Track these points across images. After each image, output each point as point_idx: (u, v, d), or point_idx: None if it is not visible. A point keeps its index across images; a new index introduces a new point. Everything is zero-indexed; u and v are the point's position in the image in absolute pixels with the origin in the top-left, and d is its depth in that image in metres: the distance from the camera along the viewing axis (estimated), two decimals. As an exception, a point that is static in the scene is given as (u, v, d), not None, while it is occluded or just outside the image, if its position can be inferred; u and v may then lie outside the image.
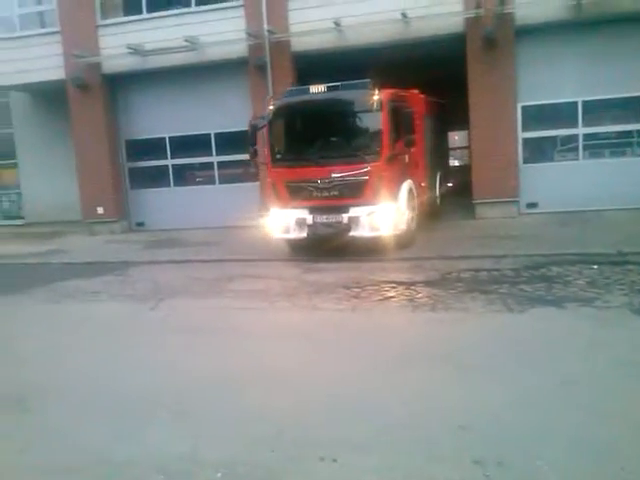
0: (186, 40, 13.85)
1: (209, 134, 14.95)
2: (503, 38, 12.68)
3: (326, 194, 9.80)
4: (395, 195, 9.99)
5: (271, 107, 10.19)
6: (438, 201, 13.65)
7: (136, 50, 14.27)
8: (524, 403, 3.76)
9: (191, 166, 15.69)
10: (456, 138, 26.10)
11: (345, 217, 9.78)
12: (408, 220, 10.45)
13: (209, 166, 15.22)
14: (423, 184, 11.82)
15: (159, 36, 14.23)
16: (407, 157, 10.67)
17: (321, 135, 10.20)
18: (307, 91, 9.98)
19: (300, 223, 10.05)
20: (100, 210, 15.37)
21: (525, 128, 13.16)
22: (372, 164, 9.48)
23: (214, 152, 15.00)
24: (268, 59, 13.86)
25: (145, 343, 5.61)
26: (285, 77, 13.57)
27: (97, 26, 14.84)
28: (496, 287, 7.01)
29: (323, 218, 9.96)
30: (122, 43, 14.30)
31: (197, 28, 14.10)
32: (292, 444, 3.37)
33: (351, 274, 8.44)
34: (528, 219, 12.51)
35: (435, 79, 14.61)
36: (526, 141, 13.26)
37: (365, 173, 9.51)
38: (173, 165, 15.44)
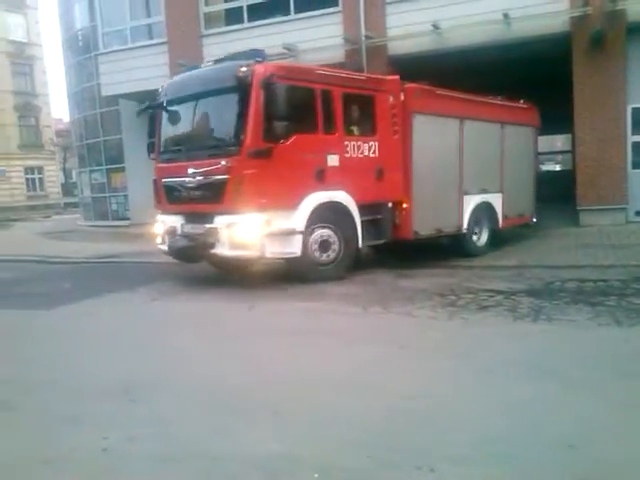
0: (285, 47, 14.15)
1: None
2: (613, 37, 12.07)
3: (192, 197, 8.36)
4: (283, 204, 8.07)
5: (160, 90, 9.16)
6: (479, 243, 11.13)
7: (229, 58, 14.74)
8: (635, 423, 3.52)
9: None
10: (558, 144, 24.99)
11: (205, 228, 8.19)
12: (311, 244, 8.43)
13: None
14: (406, 205, 9.57)
15: (259, 44, 14.58)
16: (327, 157, 8.57)
17: (192, 122, 8.72)
18: (196, 68, 8.96)
19: (170, 232, 8.80)
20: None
21: (635, 131, 12.39)
22: (231, 159, 7.84)
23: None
24: (365, 64, 13.89)
25: (243, 342, 5.74)
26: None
27: (201, 36, 15.47)
28: (603, 299, 6.62)
29: (189, 228, 8.55)
30: (224, 51, 14.80)
31: (296, 35, 14.38)
32: (387, 451, 3.32)
33: (446, 281, 8.26)
34: (636, 227, 11.75)
35: (534, 79, 14.09)
36: (636, 145, 12.48)
37: (223, 171, 7.87)
38: None
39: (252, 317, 6.87)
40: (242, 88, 7.80)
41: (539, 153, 14.71)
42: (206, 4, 15.68)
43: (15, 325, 7.01)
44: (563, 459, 3.15)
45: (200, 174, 8.01)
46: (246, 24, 15.28)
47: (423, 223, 9.86)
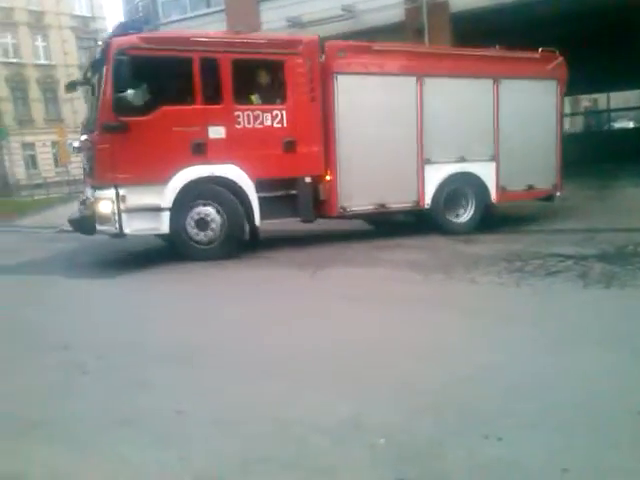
0: (343, 9, 13.90)
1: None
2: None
3: (86, 170, 8.75)
4: (148, 179, 7.81)
5: None
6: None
7: (295, 22, 14.60)
8: None
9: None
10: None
11: (89, 201, 8.30)
12: (187, 222, 8.13)
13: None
14: (329, 178, 8.83)
15: (317, 7, 14.43)
16: (207, 129, 8.07)
17: (90, 98, 9.02)
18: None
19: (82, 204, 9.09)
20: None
21: None
22: (91, 134, 8.04)
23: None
24: (426, 22, 13.48)
25: (306, 308, 5.80)
26: (443, 40, 13.14)
27: (258, 1, 15.36)
28: (682, 263, 6.31)
29: (88, 200, 8.65)
30: (282, 16, 14.70)
31: (354, -4, 14.07)
32: (453, 418, 3.30)
33: (512, 246, 8.06)
34: None
35: (604, 32, 13.31)
36: None
37: (88, 145, 8.17)
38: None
39: (314, 283, 6.91)
40: (102, 63, 7.80)
41: (610, 110, 13.62)
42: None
43: (85, 293, 7.32)
44: (632, 427, 3.05)
45: (81, 148, 8.48)
46: (304, -14, 15.07)
47: (354, 198, 9.00)
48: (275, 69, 8.56)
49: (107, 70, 7.68)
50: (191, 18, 16.66)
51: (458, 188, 9.75)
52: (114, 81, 7.62)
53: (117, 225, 7.81)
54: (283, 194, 8.61)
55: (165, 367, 4.36)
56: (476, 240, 8.80)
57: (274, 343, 4.74)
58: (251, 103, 8.48)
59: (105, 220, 7.91)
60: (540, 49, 10.13)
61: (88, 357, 4.64)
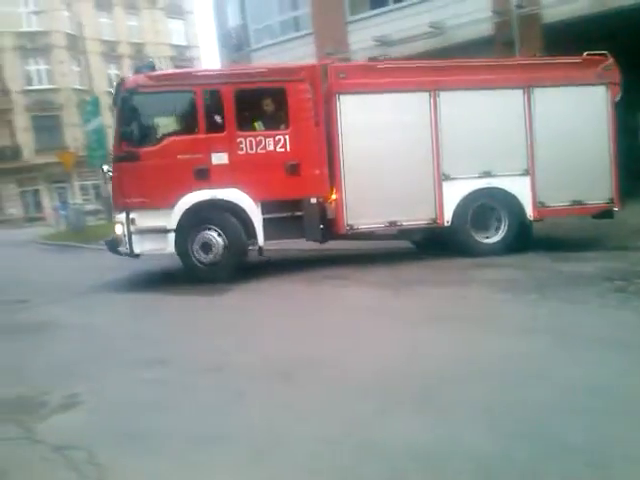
0: (431, 26, 13.86)
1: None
2: None
3: None
4: (156, 204, 8.48)
5: None
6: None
7: (382, 42, 14.70)
8: None
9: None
10: None
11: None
12: (194, 243, 8.65)
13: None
14: (335, 197, 8.97)
15: (404, 25, 14.49)
16: (211, 156, 8.59)
17: None
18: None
19: None
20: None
21: None
22: (111, 165, 9.06)
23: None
24: (516, 36, 13.19)
25: (392, 328, 5.77)
26: (534, 51, 12.78)
27: (346, 23, 15.61)
28: None
29: None
30: (369, 36, 14.86)
31: (441, 12, 14.06)
32: (553, 444, 3.17)
33: (614, 265, 7.65)
34: None
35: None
36: None
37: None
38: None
39: (398, 302, 6.87)
40: (116, 100, 8.77)
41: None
42: (350, -10, 15.82)
43: (191, 309, 7.65)
44: None
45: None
46: (392, 5, 15.19)
47: (361, 217, 9.00)
48: (278, 96, 8.88)
49: (119, 106, 8.64)
50: (281, 43, 17.16)
51: (486, 205, 9.32)
52: (125, 116, 8.55)
53: (127, 246, 8.58)
54: (289, 215, 8.86)
55: (264, 383, 4.47)
56: (573, 258, 8.42)
57: (365, 363, 4.75)
58: (254, 130, 8.87)
59: (119, 241, 8.75)
60: (585, 53, 9.46)
61: (190, 372, 4.86)
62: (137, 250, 8.63)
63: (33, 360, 5.59)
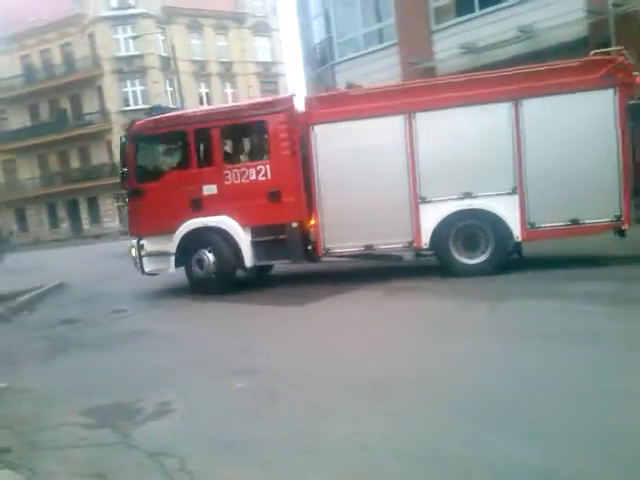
0: (520, 30, 13.44)
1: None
2: None
3: None
4: (160, 230, 9.64)
5: None
6: None
7: (469, 49, 14.40)
8: None
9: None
10: None
11: None
12: (193, 262, 9.70)
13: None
14: (313, 222, 9.37)
15: (491, 31, 14.13)
16: (202, 188, 9.53)
17: None
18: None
19: None
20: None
21: None
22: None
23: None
24: (612, 35, 12.53)
25: (491, 345, 5.55)
26: (632, 52, 12.10)
27: (431, 32, 15.42)
28: None
29: None
30: (455, 44, 14.61)
31: (530, 16, 13.61)
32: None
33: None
34: None
35: None
36: None
37: None
38: None
39: (495, 317, 6.61)
40: (125, 141, 9.89)
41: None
42: (435, -1, 15.64)
43: (277, 319, 7.73)
44: None
45: None
46: (478, 12, 14.85)
47: (337, 240, 9.33)
48: (258, 129, 9.63)
49: (127, 146, 9.80)
50: (365, 55, 17.20)
51: (470, 226, 8.95)
52: (133, 155, 9.83)
53: (139, 266, 9.96)
54: (274, 239, 9.43)
55: (354, 397, 4.41)
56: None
57: (460, 380, 4.58)
58: (239, 162, 9.75)
59: (134, 262, 10.09)
60: (592, 52, 8.66)
61: (279, 383, 4.88)
62: (147, 270, 9.97)
63: (129, 368, 5.82)
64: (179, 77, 33.30)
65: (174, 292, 10.59)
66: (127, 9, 43.07)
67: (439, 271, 9.34)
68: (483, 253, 9.00)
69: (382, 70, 16.38)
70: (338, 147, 9.10)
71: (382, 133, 8.99)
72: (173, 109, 11.03)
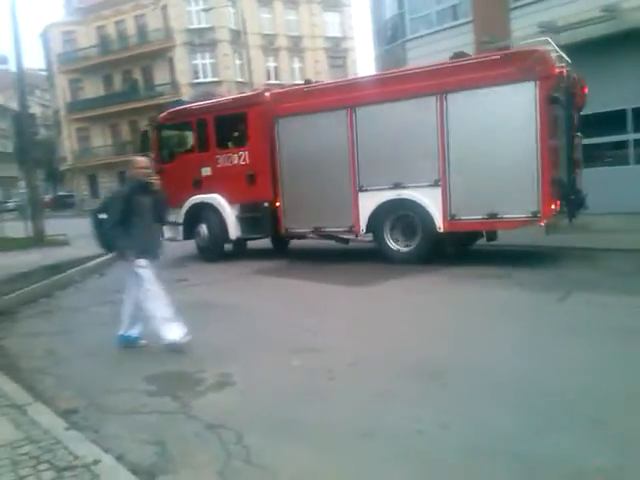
0: (604, 10, 12.72)
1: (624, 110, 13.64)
2: None
3: None
4: (174, 205, 10.51)
5: None
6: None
7: (548, 28, 13.74)
8: None
9: (601, 146, 14.45)
10: None
11: None
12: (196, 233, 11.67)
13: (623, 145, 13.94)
14: (278, 204, 10.73)
15: (572, 9, 13.44)
16: (201, 169, 11.45)
17: None
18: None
19: None
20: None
21: None
22: None
23: (630, 129, 13.60)
24: None
25: (559, 339, 5.37)
26: None
27: (509, 9, 14.81)
28: None
29: None
30: (533, 23, 13.97)
31: (616, -6, 12.80)
32: None
33: None
34: None
35: None
36: None
37: None
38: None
39: (565, 310, 6.37)
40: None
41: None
42: (515, -26, 14.93)
43: (335, 300, 7.74)
44: None
45: None
46: (559, -11, 14.13)
47: (296, 221, 10.58)
48: (240, 120, 11.07)
49: (152, 134, 12.29)
50: (438, 32, 16.72)
51: (405, 216, 9.49)
52: (157, 141, 12.24)
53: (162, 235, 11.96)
54: (252, 215, 11.05)
55: (413, 382, 4.38)
56: None
57: (525, 374, 4.45)
58: (226, 148, 11.39)
59: None
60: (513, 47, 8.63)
61: (338, 363, 4.88)
62: (166, 236, 11.18)
63: (192, 337, 5.93)
64: (248, 51, 33.44)
65: (233, 264, 10.78)
66: (200, -19, 43.45)
67: (505, 258, 9.11)
68: (411, 242, 9.58)
69: (454, 48, 15.76)
70: (295, 138, 10.27)
71: (329, 126, 9.81)
72: (192, 104, 13.04)
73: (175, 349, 5.41)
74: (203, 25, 42.95)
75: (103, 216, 5.70)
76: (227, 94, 42.74)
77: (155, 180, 5.79)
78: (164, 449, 3.52)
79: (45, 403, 4.23)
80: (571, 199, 8.66)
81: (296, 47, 47.63)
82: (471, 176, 8.65)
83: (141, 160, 5.93)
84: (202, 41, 43.08)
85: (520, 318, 6.12)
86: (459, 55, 9.39)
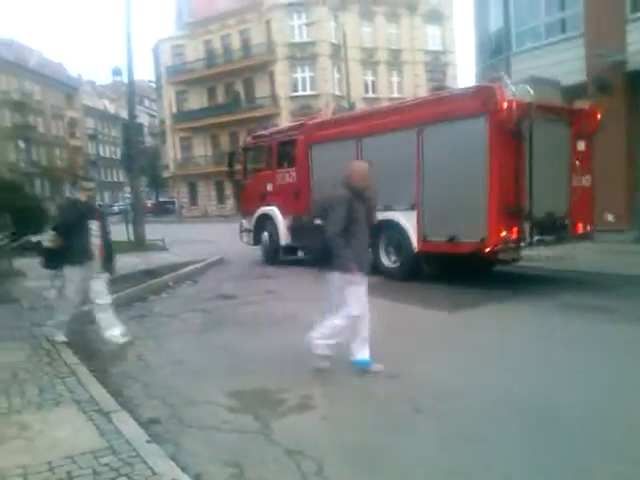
0: None
1: None
2: None
3: None
4: (249, 214, 14.12)
5: None
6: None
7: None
8: None
9: None
10: None
11: None
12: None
13: None
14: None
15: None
16: (267, 185, 13.45)
17: None
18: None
19: None
20: (609, 217, 14.47)
21: None
22: None
23: None
24: None
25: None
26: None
27: (625, 21, 13.90)
28: None
29: None
30: (652, 36, 13.06)
31: None
32: None
33: None
34: None
35: None
36: None
37: None
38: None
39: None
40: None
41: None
42: (633, -16, 13.98)
43: (419, 324, 7.42)
44: None
45: None
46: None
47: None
48: (293, 145, 12.78)
49: (240, 154, 15.05)
50: (545, 46, 15.97)
51: (392, 236, 10.42)
52: (242, 161, 14.79)
53: (240, 237, 14.61)
54: (297, 226, 12.31)
55: (507, 422, 4.05)
56: None
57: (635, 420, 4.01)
58: (282, 168, 13.09)
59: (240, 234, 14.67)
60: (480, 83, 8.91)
61: (422, 394, 4.61)
62: (243, 241, 14.38)
63: (278, 353, 5.86)
64: (347, 64, 33.62)
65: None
66: (304, -4, 44.34)
67: (611, 287, 8.44)
68: (394, 258, 10.53)
69: (563, 62, 15.09)
70: (321, 162, 11.68)
71: (343, 153, 10.58)
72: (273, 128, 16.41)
73: (365, 370, 5.17)
74: (304, 39, 43.74)
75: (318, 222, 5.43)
76: (325, 107, 43.36)
77: (370, 187, 5.46)
78: (242, 473, 3.42)
79: (130, 411, 4.26)
80: (537, 225, 8.97)
81: (395, 60, 47.47)
82: (438, 201, 9.51)
83: (361, 166, 5.65)
84: (303, 55, 43.86)
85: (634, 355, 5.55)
86: (438, 88, 10.81)
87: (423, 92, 46.22)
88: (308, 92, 44.03)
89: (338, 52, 38.88)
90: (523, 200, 8.78)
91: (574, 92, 14.98)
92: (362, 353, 5.24)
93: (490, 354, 5.79)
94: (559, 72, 15.10)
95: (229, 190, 49.18)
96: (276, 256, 13.19)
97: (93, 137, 72.97)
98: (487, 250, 8.80)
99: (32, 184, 51.87)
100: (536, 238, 9.04)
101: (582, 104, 11.06)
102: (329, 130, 11.72)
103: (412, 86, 46.91)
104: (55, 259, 6.31)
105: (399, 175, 9.94)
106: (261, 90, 45.89)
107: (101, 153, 76.39)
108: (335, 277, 5.19)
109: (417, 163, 9.74)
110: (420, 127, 9.66)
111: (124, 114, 50.62)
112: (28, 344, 6.17)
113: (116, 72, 38.45)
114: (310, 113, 44.30)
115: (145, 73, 63.20)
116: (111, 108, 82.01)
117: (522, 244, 9.04)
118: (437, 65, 48.47)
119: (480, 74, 23.63)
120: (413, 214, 9.92)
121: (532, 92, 8.92)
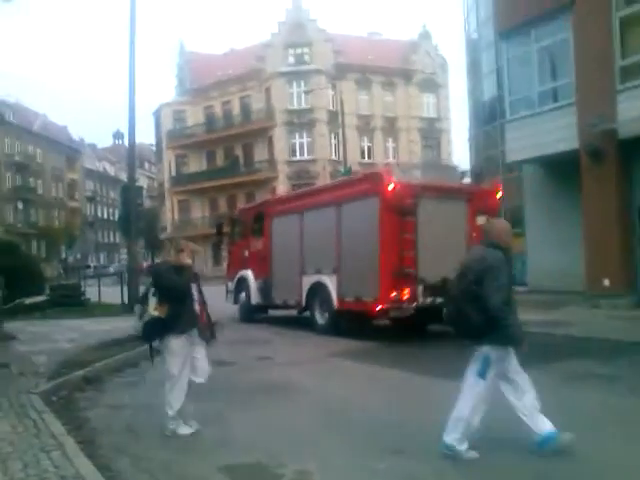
0: None
1: None
2: None
3: None
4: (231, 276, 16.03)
5: None
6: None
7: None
8: None
9: None
10: None
11: None
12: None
13: None
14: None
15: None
16: (244, 252, 15.32)
17: None
18: None
19: None
20: (606, 282, 14.42)
21: None
22: None
23: None
24: None
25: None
26: None
27: (615, 91, 14.26)
28: None
29: None
30: (642, 105, 13.36)
31: None
32: None
33: None
34: None
35: None
36: None
37: None
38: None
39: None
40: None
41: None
42: (622, 57, 14.39)
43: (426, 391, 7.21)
44: None
45: None
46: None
47: (275, 295, 13.81)
48: (262, 217, 14.71)
49: (228, 224, 17.40)
50: (538, 114, 16.32)
51: (318, 295, 12.14)
52: (231, 229, 16.92)
53: (226, 297, 16.18)
54: (263, 287, 14.17)
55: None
56: None
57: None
58: (255, 237, 15.02)
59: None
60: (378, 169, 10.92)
61: (423, 467, 4.39)
62: (227, 300, 15.62)
63: (272, 424, 5.66)
64: (344, 131, 34.31)
65: (322, 344, 10.49)
66: (302, 65, 45.74)
67: (621, 354, 8.26)
68: (322, 316, 12.07)
69: (555, 130, 15.44)
70: (277, 233, 13.85)
71: (289, 225, 13.22)
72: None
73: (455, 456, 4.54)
74: (303, 106, 44.85)
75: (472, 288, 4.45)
76: (322, 171, 44.13)
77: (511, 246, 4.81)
78: None
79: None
80: (431, 288, 10.27)
81: (391, 127, 48.62)
82: (350, 266, 11.22)
83: (504, 222, 5.11)
84: (301, 121, 44.88)
85: None
86: (348, 172, 14.91)
87: (417, 158, 47.26)
88: (306, 157, 44.84)
89: (335, 119, 39.81)
90: (412, 266, 10.32)
91: (567, 158, 15.24)
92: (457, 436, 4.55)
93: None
94: (552, 139, 15.48)
95: (225, 252, 49.39)
96: (251, 315, 14.82)
97: (91, 199, 73.71)
98: (378, 308, 10.44)
99: (29, 245, 51.92)
100: (429, 300, 10.43)
101: (484, 184, 14.05)
102: (283, 205, 14.34)
103: (407, 152, 47.89)
104: (157, 329, 5.52)
105: (326, 243, 11.83)
106: (260, 154, 46.68)
107: (99, 214, 76.96)
108: (498, 352, 4.58)
109: (337, 234, 11.62)
110: (337, 205, 11.69)
111: (123, 176, 51.26)
112: (14, 413, 5.92)
113: (117, 135, 39.14)
114: (307, 177, 45.18)
115: (146, 136, 64.26)
116: (111, 170, 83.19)
117: (414, 304, 10.41)
118: (432, 131, 49.60)
119: (473, 140, 24.16)
120: (334, 277, 11.64)
121: (419, 175, 10.21)
